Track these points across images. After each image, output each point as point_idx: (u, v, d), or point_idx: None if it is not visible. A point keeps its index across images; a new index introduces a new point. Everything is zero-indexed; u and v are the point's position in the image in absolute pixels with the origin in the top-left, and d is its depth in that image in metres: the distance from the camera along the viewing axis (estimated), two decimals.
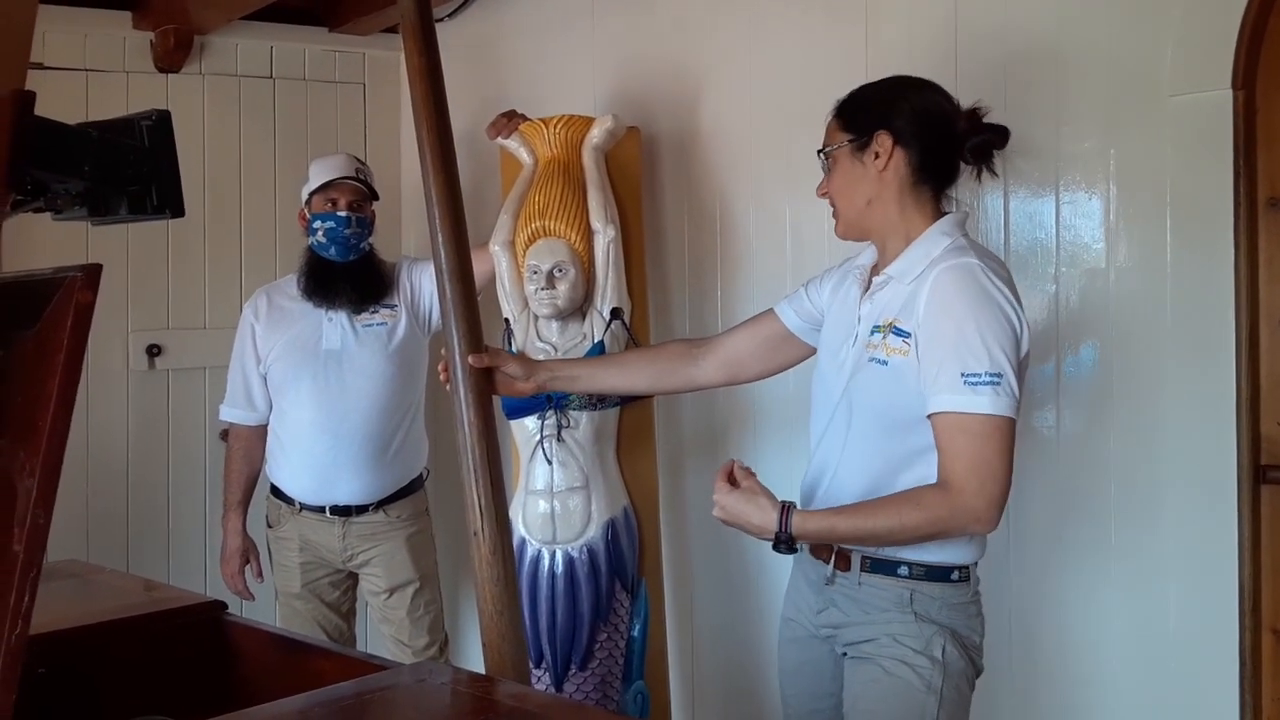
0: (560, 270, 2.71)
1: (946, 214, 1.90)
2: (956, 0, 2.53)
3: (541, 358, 2.73)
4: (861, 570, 1.87)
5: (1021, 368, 1.78)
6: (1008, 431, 1.74)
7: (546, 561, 2.72)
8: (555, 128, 2.84)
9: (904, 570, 1.85)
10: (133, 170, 1.26)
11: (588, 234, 2.75)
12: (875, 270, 1.95)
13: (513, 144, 2.93)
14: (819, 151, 1.96)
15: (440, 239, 2.06)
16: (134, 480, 3.58)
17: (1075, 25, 2.36)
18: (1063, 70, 2.37)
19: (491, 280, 2.89)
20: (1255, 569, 2.19)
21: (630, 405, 2.83)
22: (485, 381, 2.06)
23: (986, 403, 1.72)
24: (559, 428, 2.70)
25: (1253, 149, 2.17)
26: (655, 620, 2.88)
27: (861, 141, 1.88)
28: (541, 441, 2.71)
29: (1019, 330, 1.77)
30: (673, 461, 3.11)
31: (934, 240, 1.85)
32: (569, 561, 2.71)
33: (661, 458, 3.01)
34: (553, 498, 2.71)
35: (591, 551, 2.72)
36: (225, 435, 3.28)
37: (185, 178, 1.33)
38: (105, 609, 1.89)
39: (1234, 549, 2.18)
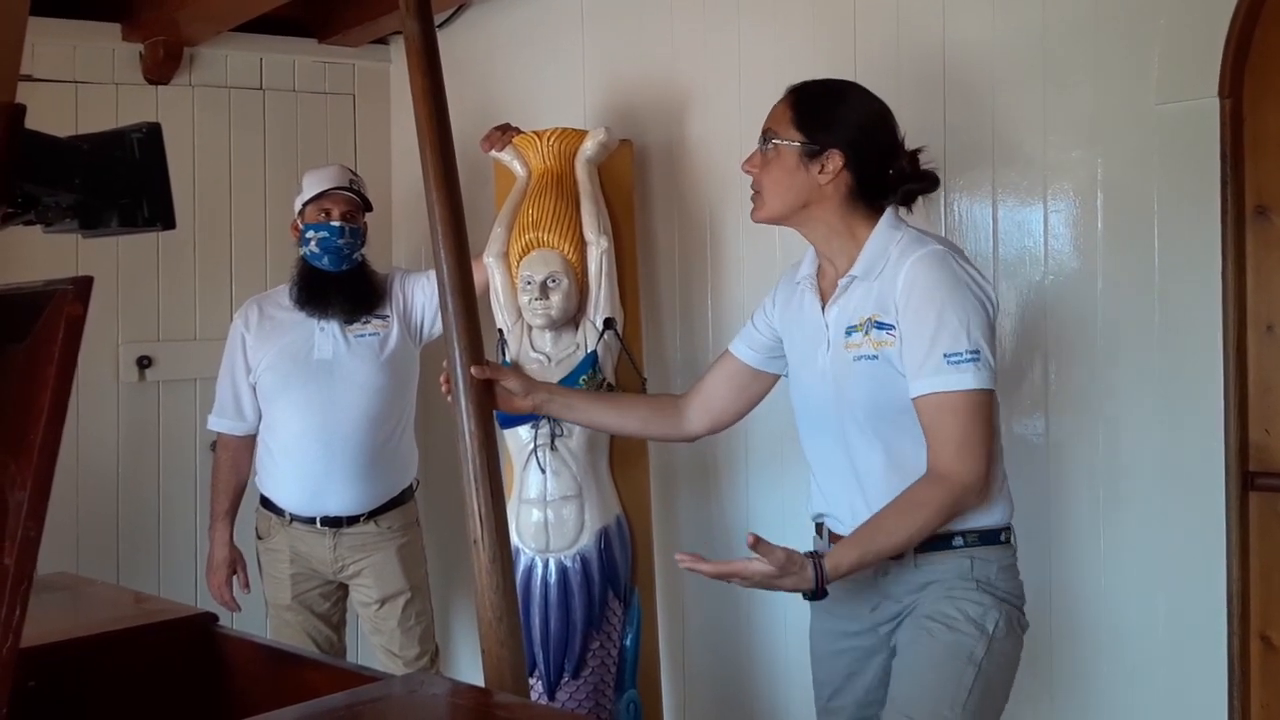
0: (554, 281, 2.71)
1: (884, 210, 1.95)
2: (944, 12, 2.54)
3: (535, 368, 2.74)
4: (916, 553, 1.89)
5: (995, 339, 1.88)
6: (988, 403, 1.84)
7: (540, 570, 2.72)
8: (549, 140, 2.85)
9: (959, 541, 1.89)
10: (123, 183, 1.26)
11: (581, 245, 2.76)
12: (822, 274, 2.00)
13: (506, 157, 2.93)
14: (764, 134, 1.97)
15: (443, 254, 2.07)
16: (124, 492, 3.57)
17: (1061, 35, 2.37)
18: (1050, 80, 2.38)
19: (485, 292, 2.90)
20: (1243, 575, 2.20)
21: None
22: (486, 393, 2.08)
23: (970, 379, 1.80)
24: (552, 437, 2.70)
25: (1240, 157, 2.18)
26: (648, 629, 2.88)
27: (812, 149, 1.91)
28: (535, 450, 2.71)
29: (989, 308, 1.86)
30: (665, 471, 3.12)
31: (886, 235, 1.91)
32: (562, 570, 2.71)
33: (654, 467, 3.02)
34: (546, 506, 2.71)
35: (584, 560, 2.72)
36: (215, 446, 3.28)
37: (175, 189, 1.33)
38: (96, 621, 1.88)
39: (1222, 555, 2.19)
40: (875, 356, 1.87)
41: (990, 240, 2.48)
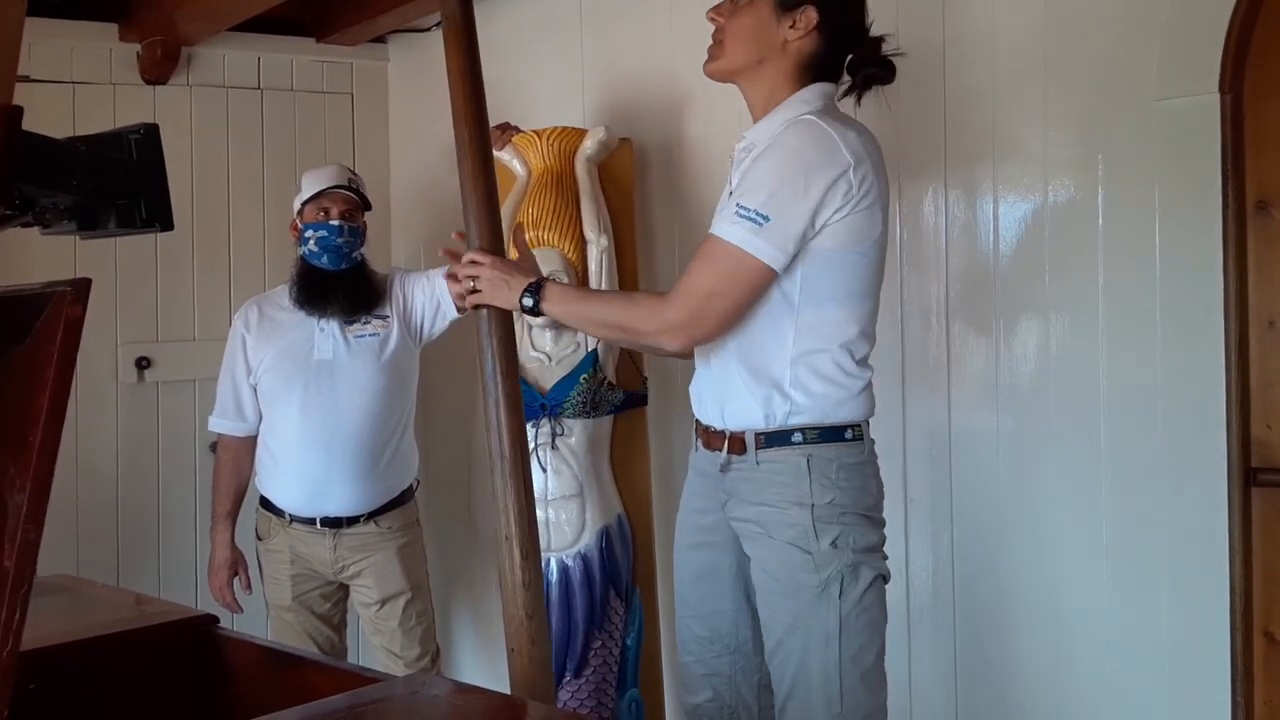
0: (554, 280, 2.70)
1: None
2: (944, 9, 2.53)
3: (534, 366, 2.74)
4: (757, 448, 1.89)
5: (836, 228, 1.80)
6: (745, 268, 1.79)
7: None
8: (549, 139, 2.84)
9: (798, 437, 1.87)
10: (121, 184, 1.26)
11: (581, 244, 2.76)
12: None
13: (506, 156, 2.93)
14: None
15: (476, 242, 2.09)
16: (124, 493, 3.57)
17: (1062, 31, 2.36)
18: (1050, 76, 2.38)
19: None
20: (1246, 571, 2.20)
21: (624, 413, 2.83)
22: (517, 385, 2.06)
23: (737, 234, 1.78)
24: (553, 436, 2.70)
25: (1240, 153, 2.18)
26: (650, 628, 2.88)
27: (789, 3, 1.89)
28: (535, 449, 2.71)
29: (819, 189, 1.78)
30: (666, 471, 3.11)
31: (793, 107, 1.89)
32: (563, 569, 2.71)
33: (655, 466, 3.01)
34: (547, 506, 2.71)
35: (586, 559, 2.72)
36: (215, 447, 3.27)
37: (173, 189, 1.33)
38: (96, 624, 1.88)
39: (1225, 551, 2.18)
40: None
41: (991, 237, 2.48)
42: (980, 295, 2.50)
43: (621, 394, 2.79)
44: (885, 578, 1.94)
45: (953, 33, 2.52)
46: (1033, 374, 2.43)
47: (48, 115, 3.22)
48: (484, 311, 2.07)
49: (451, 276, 2.75)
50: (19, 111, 1.13)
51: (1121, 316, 2.30)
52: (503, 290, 2.02)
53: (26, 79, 3.26)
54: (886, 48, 1.95)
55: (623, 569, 2.78)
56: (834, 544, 1.86)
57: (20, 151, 1.14)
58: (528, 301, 1.99)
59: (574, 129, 2.87)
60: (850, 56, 1.94)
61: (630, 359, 2.84)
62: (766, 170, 1.81)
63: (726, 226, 1.80)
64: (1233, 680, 2.19)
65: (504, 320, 2.07)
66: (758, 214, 1.77)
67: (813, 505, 1.86)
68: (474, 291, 2.06)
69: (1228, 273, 2.17)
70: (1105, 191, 2.32)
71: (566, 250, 2.73)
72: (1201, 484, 2.20)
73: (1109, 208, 2.32)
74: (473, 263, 2.06)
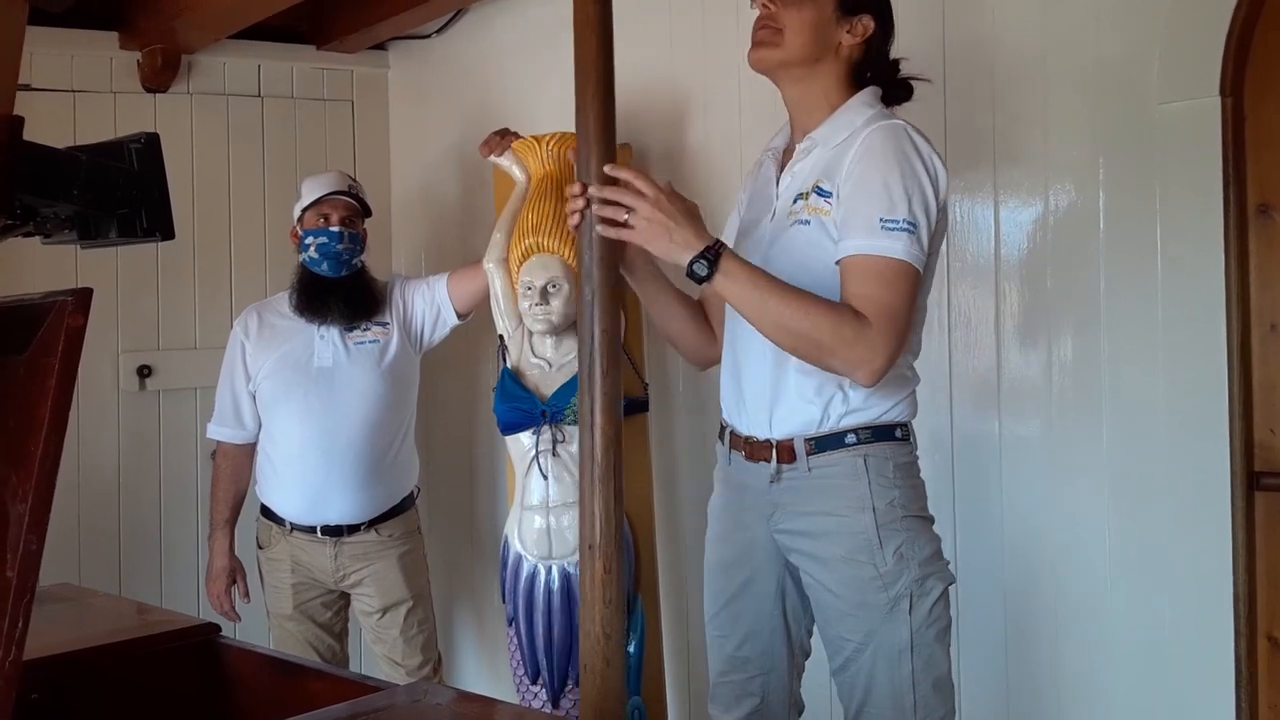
0: (554, 286, 2.70)
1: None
2: (944, 12, 2.53)
3: (535, 373, 2.74)
4: (809, 455, 1.87)
5: (936, 229, 1.82)
6: (915, 281, 1.77)
7: (543, 577, 2.72)
8: (548, 145, 2.84)
9: (851, 438, 1.86)
10: (122, 193, 1.26)
11: None
12: (789, 148, 1.97)
13: (505, 161, 2.92)
14: None
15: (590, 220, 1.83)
16: (126, 501, 3.57)
17: (1062, 34, 2.36)
18: (1050, 79, 2.38)
19: (485, 297, 2.90)
20: (1250, 576, 2.19)
21: (625, 419, 2.82)
22: (618, 384, 1.87)
23: (901, 248, 1.75)
24: (554, 443, 2.70)
25: (1241, 156, 2.18)
26: (652, 636, 2.87)
27: (851, 4, 1.90)
28: (537, 457, 2.70)
29: (937, 189, 1.80)
30: (667, 477, 3.11)
31: (857, 110, 1.89)
32: (565, 577, 2.70)
33: (656, 473, 3.01)
34: (548, 513, 2.70)
35: None
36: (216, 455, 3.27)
37: (173, 197, 1.33)
38: (98, 633, 1.88)
39: (1228, 556, 2.18)
40: (808, 223, 1.84)
41: (992, 240, 2.48)
42: (981, 299, 2.50)
43: (622, 400, 2.79)
44: (950, 584, 1.92)
45: (953, 36, 2.52)
46: (1035, 378, 2.43)
47: (48, 124, 3.21)
48: (590, 298, 1.78)
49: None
50: (20, 121, 1.13)
51: (1123, 320, 2.30)
52: (663, 239, 1.73)
53: (27, 88, 3.27)
54: (908, 69, 1.98)
55: (624, 577, 2.77)
56: (899, 554, 1.84)
57: (21, 161, 1.14)
58: (701, 269, 1.72)
59: (573, 134, 2.85)
60: (869, 74, 1.95)
61: (631, 364, 2.84)
62: (889, 177, 1.78)
63: (885, 242, 1.74)
64: (1236, 685, 2.18)
65: (612, 310, 1.81)
66: (907, 222, 1.75)
67: (874, 508, 1.84)
68: (619, 225, 1.75)
69: (1229, 276, 2.16)
70: (1106, 195, 2.32)
71: (567, 256, 2.73)
72: (1204, 488, 2.20)
73: (1110, 211, 2.32)
74: (630, 190, 1.75)
